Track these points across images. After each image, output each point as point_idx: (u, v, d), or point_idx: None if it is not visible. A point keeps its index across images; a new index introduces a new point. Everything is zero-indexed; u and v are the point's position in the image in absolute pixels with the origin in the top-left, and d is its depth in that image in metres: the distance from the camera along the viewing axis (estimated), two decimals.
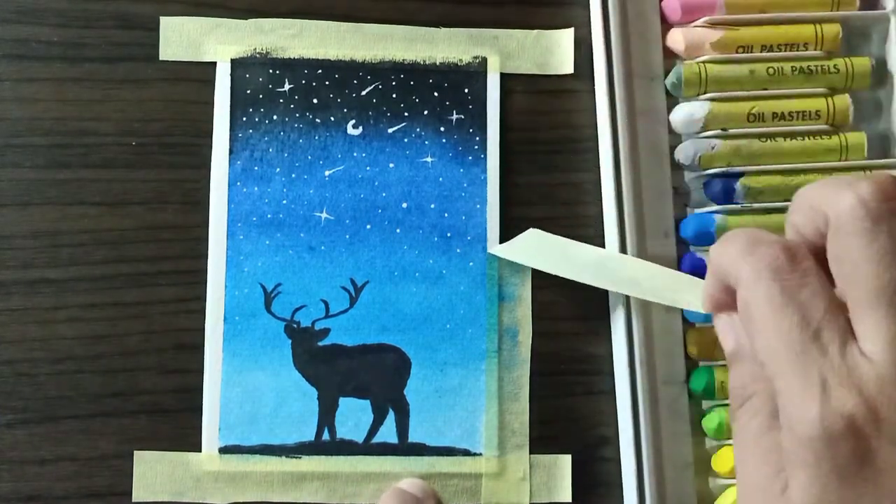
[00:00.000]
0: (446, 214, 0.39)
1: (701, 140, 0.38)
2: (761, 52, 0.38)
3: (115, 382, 0.37)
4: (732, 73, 0.38)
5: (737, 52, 0.38)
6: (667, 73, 0.38)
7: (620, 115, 0.37)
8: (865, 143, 0.38)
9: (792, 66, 0.38)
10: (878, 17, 0.39)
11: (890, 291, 0.23)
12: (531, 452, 0.38)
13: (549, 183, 0.39)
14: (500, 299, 0.38)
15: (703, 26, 0.38)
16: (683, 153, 0.38)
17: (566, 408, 0.38)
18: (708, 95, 0.38)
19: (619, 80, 0.37)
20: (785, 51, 0.38)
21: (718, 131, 0.38)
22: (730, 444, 0.37)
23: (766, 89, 0.38)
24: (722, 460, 0.37)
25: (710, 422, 0.37)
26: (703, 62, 0.38)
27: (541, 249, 0.37)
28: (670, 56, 0.39)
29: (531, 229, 0.38)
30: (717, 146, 0.38)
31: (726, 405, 0.37)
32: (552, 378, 0.38)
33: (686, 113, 0.38)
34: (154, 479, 0.37)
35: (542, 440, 0.38)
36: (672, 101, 0.39)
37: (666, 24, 0.39)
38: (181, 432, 0.37)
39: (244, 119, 0.39)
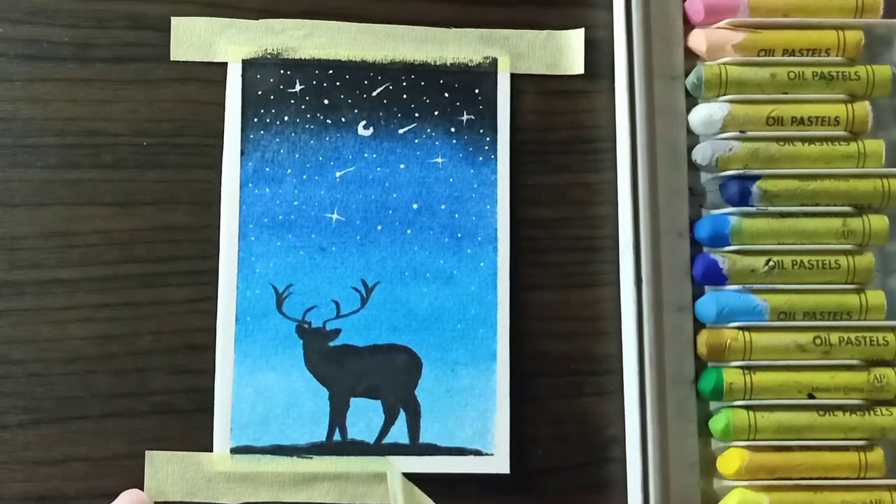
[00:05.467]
0: (457, 215, 0.37)
1: (719, 141, 0.37)
2: (783, 55, 0.37)
3: (127, 382, 0.36)
4: (753, 76, 0.37)
5: (758, 55, 0.37)
6: (688, 74, 0.38)
7: (639, 113, 0.36)
8: (884, 150, 0.37)
9: (813, 72, 0.37)
10: None
11: None
12: (541, 453, 0.36)
13: (559, 183, 0.38)
14: None
15: (725, 28, 0.37)
16: (701, 154, 0.37)
17: (576, 408, 0.37)
18: (728, 97, 0.37)
19: (639, 79, 0.36)
20: (807, 56, 0.37)
21: (737, 133, 0.37)
22: (736, 446, 0.36)
23: (786, 93, 0.37)
24: (728, 462, 0.36)
25: (716, 423, 0.36)
26: (725, 64, 0.37)
27: None
28: (692, 57, 0.38)
29: None
30: (735, 148, 0.37)
31: (734, 407, 0.36)
32: (562, 378, 0.37)
33: (705, 114, 0.37)
34: (165, 479, 0.35)
35: (552, 440, 0.37)
36: (692, 101, 0.38)
37: (688, 25, 0.38)
38: (193, 433, 0.36)
39: (255, 120, 0.37)
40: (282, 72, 0.38)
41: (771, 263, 0.36)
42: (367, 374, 0.36)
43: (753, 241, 0.37)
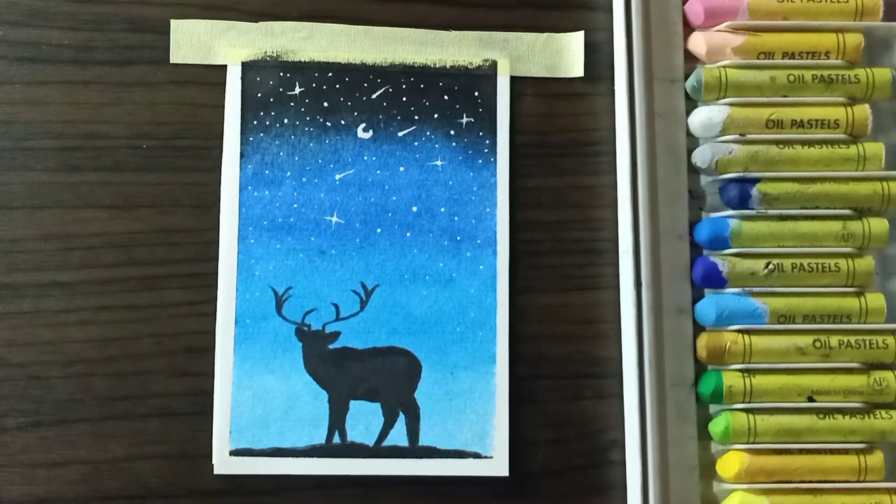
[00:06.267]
0: (456, 218, 0.37)
1: (719, 144, 0.37)
2: (783, 58, 0.37)
3: (126, 385, 0.36)
4: (753, 79, 0.37)
5: (758, 58, 0.37)
6: (687, 77, 0.37)
7: (639, 116, 0.36)
8: (883, 153, 0.37)
9: (813, 75, 0.37)
10: None
11: None
12: (540, 456, 0.36)
13: (559, 186, 0.38)
14: None
15: (725, 31, 0.37)
16: (701, 157, 0.37)
17: (575, 411, 0.37)
18: (727, 100, 0.37)
19: (639, 81, 0.36)
20: (806, 58, 0.37)
21: (737, 136, 0.37)
22: (736, 449, 0.36)
23: (785, 96, 0.37)
24: (727, 465, 0.35)
25: (716, 426, 0.36)
26: (724, 66, 0.37)
27: None
28: (691, 59, 0.38)
29: None
30: (735, 151, 0.37)
31: (734, 410, 0.36)
32: (561, 381, 0.37)
33: (705, 116, 0.37)
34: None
35: (551, 443, 0.36)
36: (691, 104, 0.38)
37: (688, 28, 0.38)
38: (192, 435, 0.36)
39: (255, 122, 0.37)
40: (281, 74, 0.37)
41: (771, 266, 0.36)
42: (366, 376, 0.36)
43: (753, 244, 0.36)
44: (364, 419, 0.36)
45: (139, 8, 0.38)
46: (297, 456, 0.36)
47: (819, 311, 0.36)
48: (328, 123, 0.37)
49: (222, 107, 0.37)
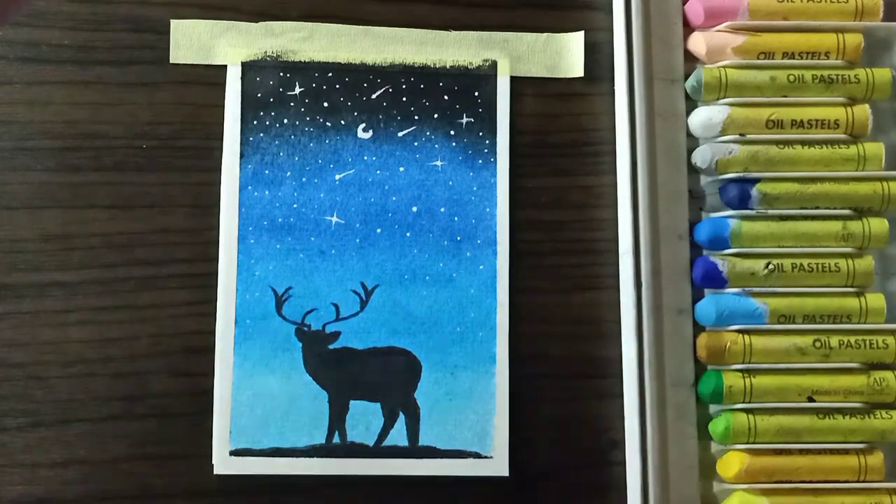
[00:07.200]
0: (456, 218, 0.37)
1: (719, 144, 0.37)
2: (783, 58, 0.37)
3: (126, 385, 0.36)
4: (753, 79, 0.37)
5: (758, 58, 0.37)
6: (687, 77, 0.37)
7: (639, 116, 0.36)
8: (883, 154, 0.37)
9: (813, 75, 0.37)
10: None
11: None
12: (540, 456, 0.36)
13: (559, 186, 0.38)
14: None
15: (725, 31, 0.37)
16: (701, 157, 0.37)
17: (576, 411, 0.37)
18: (727, 100, 0.37)
19: (639, 81, 0.36)
20: (806, 59, 0.37)
21: (736, 136, 0.37)
22: (736, 449, 0.36)
23: (786, 96, 0.37)
24: (727, 465, 0.35)
25: (716, 426, 0.36)
26: (724, 67, 0.37)
27: None
28: (691, 59, 0.38)
29: None
30: (735, 151, 0.36)
31: (734, 410, 0.36)
32: (562, 381, 0.37)
33: (705, 116, 0.37)
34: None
35: (551, 443, 0.36)
36: (691, 104, 0.38)
37: (688, 28, 0.38)
38: (192, 435, 0.36)
39: (255, 122, 0.37)
40: (281, 74, 0.37)
41: (771, 266, 0.36)
42: (366, 376, 0.36)
43: (753, 244, 0.36)
44: (364, 419, 0.36)
45: (139, 8, 0.38)
46: (297, 456, 0.35)
47: (819, 311, 0.36)
48: (328, 123, 0.37)
49: (222, 107, 0.37)
